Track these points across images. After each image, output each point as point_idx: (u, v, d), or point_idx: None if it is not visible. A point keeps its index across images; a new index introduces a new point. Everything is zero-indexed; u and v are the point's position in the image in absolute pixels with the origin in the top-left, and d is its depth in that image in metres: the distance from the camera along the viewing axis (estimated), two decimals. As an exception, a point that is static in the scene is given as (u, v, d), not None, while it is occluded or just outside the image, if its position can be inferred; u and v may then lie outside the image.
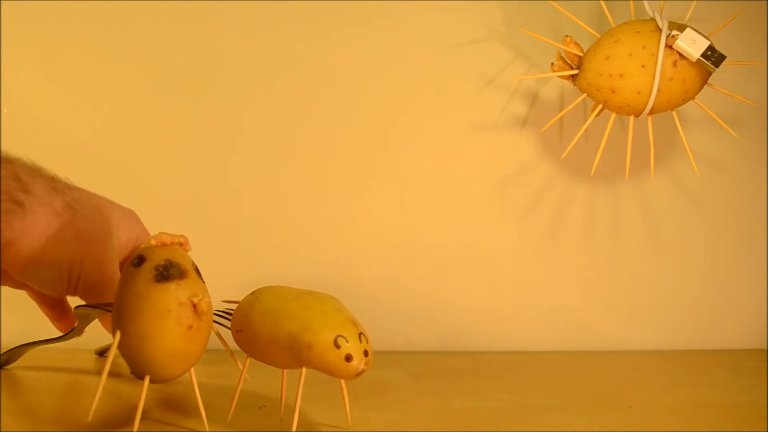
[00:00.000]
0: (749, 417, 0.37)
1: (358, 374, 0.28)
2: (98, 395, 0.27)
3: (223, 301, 0.36)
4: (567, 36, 0.44)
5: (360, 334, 0.29)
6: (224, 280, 0.49)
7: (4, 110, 0.47)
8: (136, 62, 0.48)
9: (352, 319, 0.29)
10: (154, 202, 0.48)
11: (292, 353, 0.29)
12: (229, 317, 0.34)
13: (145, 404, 0.28)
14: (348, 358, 0.28)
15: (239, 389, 0.32)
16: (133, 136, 0.48)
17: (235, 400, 0.32)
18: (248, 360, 0.32)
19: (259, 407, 0.35)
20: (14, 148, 0.46)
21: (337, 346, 0.28)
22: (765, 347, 0.55)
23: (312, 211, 0.50)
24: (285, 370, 0.32)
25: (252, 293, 0.32)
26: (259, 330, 0.30)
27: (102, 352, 0.43)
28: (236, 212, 0.49)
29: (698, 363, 0.50)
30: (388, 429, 0.33)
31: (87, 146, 0.48)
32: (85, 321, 0.36)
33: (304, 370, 0.29)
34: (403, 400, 0.37)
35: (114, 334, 0.27)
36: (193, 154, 0.48)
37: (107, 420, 0.31)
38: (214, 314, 0.35)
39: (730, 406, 0.39)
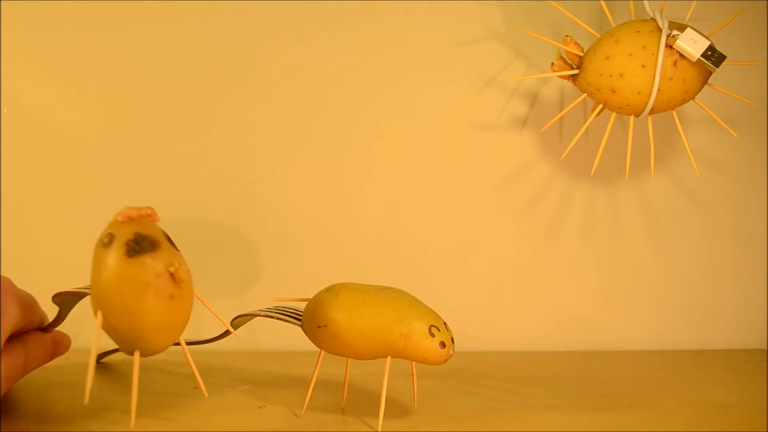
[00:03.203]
0: (749, 417, 0.37)
1: (447, 359, 0.32)
2: (90, 376, 0.27)
3: (272, 300, 0.37)
4: (567, 36, 0.44)
5: (444, 323, 0.32)
6: (222, 277, 0.49)
7: (4, 110, 0.47)
8: (137, 62, 0.48)
9: (434, 311, 0.33)
10: (154, 201, 0.48)
11: (383, 344, 0.32)
12: (295, 315, 0.35)
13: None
14: (442, 345, 0.31)
15: (312, 384, 0.34)
16: (133, 136, 0.48)
17: (308, 397, 0.34)
18: (322, 354, 0.34)
19: (260, 407, 0.35)
20: (14, 148, 0.47)
21: (432, 335, 0.31)
22: (765, 347, 0.55)
23: (309, 212, 0.50)
24: (348, 361, 0.35)
25: (327, 290, 0.34)
26: (347, 324, 0.32)
27: (99, 358, 0.42)
28: (236, 211, 0.49)
29: (698, 363, 0.50)
30: (388, 429, 0.33)
31: (87, 146, 0.48)
32: (67, 307, 0.36)
33: (389, 359, 0.32)
34: (403, 401, 0.37)
35: (96, 315, 0.27)
36: (193, 153, 0.48)
37: (105, 408, 0.31)
38: (281, 314, 0.35)
39: (730, 406, 0.39)
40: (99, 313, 0.27)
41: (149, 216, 0.28)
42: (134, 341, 0.27)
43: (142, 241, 0.27)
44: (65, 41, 0.47)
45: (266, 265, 0.49)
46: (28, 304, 0.33)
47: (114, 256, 0.27)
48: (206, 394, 0.31)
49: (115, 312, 0.27)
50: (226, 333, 0.39)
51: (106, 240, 0.27)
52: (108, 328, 0.27)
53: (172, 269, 0.27)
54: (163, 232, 0.28)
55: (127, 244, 0.27)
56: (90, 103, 0.47)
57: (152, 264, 0.27)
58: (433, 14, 0.50)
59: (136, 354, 0.28)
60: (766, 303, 0.55)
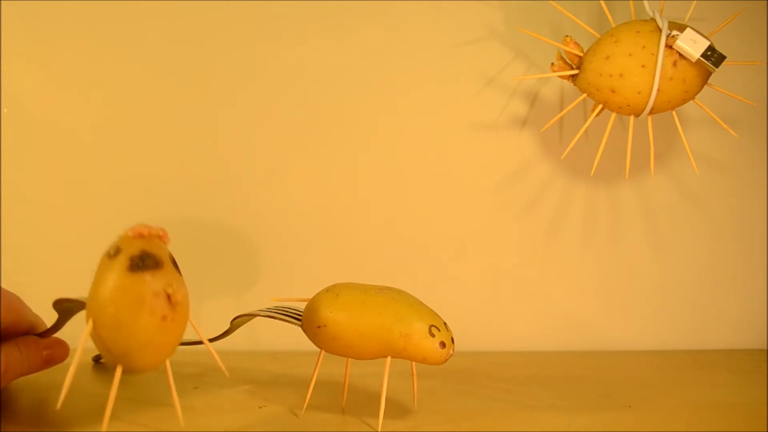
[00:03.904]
0: (749, 417, 0.37)
1: (447, 359, 0.32)
2: (67, 384, 0.27)
3: (272, 300, 0.37)
4: (567, 36, 0.44)
5: (444, 323, 0.32)
6: (222, 277, 0.49)
7: (4, 110, 0.47)
8: (137, 62, 0.48)
9: (434, 311, 0.33)
10: (154, 201, 0.48)
11: (383, 343, 0.32)
12: (295, 315, 0.35)
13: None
14: (442, 345, 0.31)
15: (312, 384, 0.34)
16: (133, 136, 0.48)
17: (308, 397, 0.34)
18: (322, 354, 0.34)
19: (259, 407, 0.35)
20: (14, 148, 0.47)
21: (432, 335, 0.31)
22: (765, 347, 0.55)
23: (309, 212, 0.50)
24: (348, 361, 0.35)
25: (327, 290, 0.34)
26: (347, 324, 0.32)
27: (98, 359, 0.42)
28: (236, 211, 0.49)
29: (698, 363, 0.50)
30: (388, 429, 0.33)
31: (87, 146, 0.48)
32: (66, 315, 0.36)
33: (389, 359, 0.32)
34: (403, 401, 0.37)
35: (87, 323, 0.27)
36: (194, 153, 0.48)
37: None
38: (281, 314, 0.35)
39: (730, 406, 0.39)
40: (90, 322, 0.27)
41: (160, 237, 0.28)
42: (119, 356, 0.27)
43: (146, 259, 0.27)
44: (65, 41, 0.47)
45: (266, 265, 0.49)
46: (12, 304, 0.33)
47: (116, 269, 0.27)
48: (228, 374, 0.31)
49: (105, 323, 0.27)
50: (226, 333, 0.39)
51: (112, 252, 0.27)
52: (96, 338, 0.27)
53: (169, 290, 0.27)
54: (170, 255, 0.28)
55: (131, 259, 0.27)
56: (90, 103, 0.47)
57: (151, 282, 0.27)
58: (433, 14, 0.50)
59: (119, 369, 0.28)
60: (766, 303, 0.55)
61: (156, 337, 0.27)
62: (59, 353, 0.36)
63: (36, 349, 0.34)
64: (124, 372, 0.28)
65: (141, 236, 0.28)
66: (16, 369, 0.33)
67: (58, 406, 0.27)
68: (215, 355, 0.30)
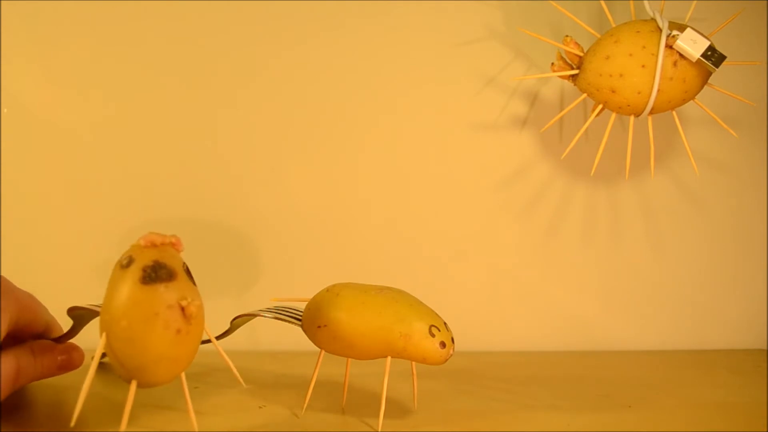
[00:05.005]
0: (749, 417, 0.37)
1: (447, 359, 0.32)
2: (81, 400, 0.26)
3: (272, 300, 0.37)
4: (567, 36, 0.44)
5: (444, 323, 0.32)
6: (222, 277, 0.49)
7: (4, 110, 0.47)
8: (137, 62, 0.48)
9: (434, 311, 0.33)
10: (154, 201, 0.48)
11: (383, 344, 0.32)
12: (295, 315, 0.35)
13: (134, 409, 0.27)
14: (442, 345, 0.31)
15: (312, 384, 0.34)
16: (133, 136, 0.48)
17: (308, 397, 0.34)
18: (322, 354, 0.34)
19: (259, 407, 0.35)
20: (14, 148, 0.47)
21: (432, 335, 0.31)
22: (765, 347, 0.55)
23: (309, 212, 0.50)
24: (348, 361, 0.35)
25: (327, 290, 0.34)
26: (347, 324, 0.32)
27: (102, 357, 0.42)
28: (236, 211, 0.49)
29: (698, 363, 0.50)
30: (388, 429, 0.33)
31: (87, 146, 0.48)
32: (81, 322, 0.36)
33: (389, 359, 0.32)
34: (403, 401, 0.37)
35: (101, 336, 0.27)
36: (194, 153, 0.48)
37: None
38: (281, 314, 0.35)
39: (730, 406, 0.39)
40: (104, 335, 0.27)
41: (173, 244, 0.28)
42: (133, 370, 0.27)
43: (159, 270, 0.26)
44: (65, 41, 0.47)
45: (266, 265, 0.49)
46: (26, 304, 0.32)
47: (128, 280, 0.26)
48: (244, 384, 0.31)
49: (119, 337, 0.26)
50: (227, 333, 0.39)
51: (125, 262, 0.27)
52: (110, 352, 0.27)
53: (183, 303, 0.26)
54: (184, 264, 0.28)
55: (144, 270, 0.26)
56: (90, 104, 0.47)
57: (165, 294, 0.26)
58: (433, 14, 0.50)
59: (133, 384, 0.27)
60: (766, 303, 0.55)
61: (170, 351, 0.26)
62: (75, 359, 0.35)
63: (51, 354, 0.34)
64: (138, 386, 0.27)
65: (153, 245, 0.27)
66: (29, 373, 0.32)
67: (72, 423, 0.26)
68: (230, 363, 0.30)
